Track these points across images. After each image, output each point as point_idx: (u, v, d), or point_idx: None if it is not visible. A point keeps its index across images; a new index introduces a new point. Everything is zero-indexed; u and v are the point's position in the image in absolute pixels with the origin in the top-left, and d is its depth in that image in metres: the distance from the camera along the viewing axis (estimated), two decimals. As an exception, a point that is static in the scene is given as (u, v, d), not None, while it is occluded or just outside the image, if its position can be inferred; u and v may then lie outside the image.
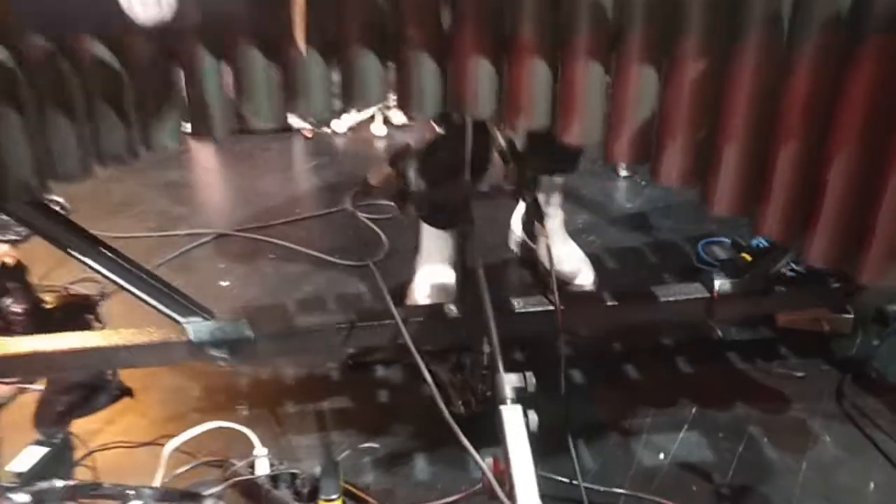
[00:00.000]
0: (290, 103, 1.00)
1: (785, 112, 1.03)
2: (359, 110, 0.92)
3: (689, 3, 0.96)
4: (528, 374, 1.05)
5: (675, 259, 2.04)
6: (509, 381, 1.03)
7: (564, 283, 1.83)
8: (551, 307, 1.36)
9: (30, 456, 1.41)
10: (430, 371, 1.23)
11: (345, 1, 0.96)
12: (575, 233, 2.07)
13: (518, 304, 1.38)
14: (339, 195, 2.41)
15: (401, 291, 1.81)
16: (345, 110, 0.92)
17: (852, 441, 1.46)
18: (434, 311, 1.40)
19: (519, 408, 1.01)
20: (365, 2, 0.97)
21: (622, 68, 1.01)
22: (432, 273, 1.77)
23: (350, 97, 1.01)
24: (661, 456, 1.44)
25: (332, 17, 0.96)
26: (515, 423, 0.98)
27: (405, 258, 1.90)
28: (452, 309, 1.37)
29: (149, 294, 1.31)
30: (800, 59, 0.99)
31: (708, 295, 1.39)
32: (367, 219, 2.21)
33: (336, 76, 1.00)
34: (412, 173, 1.39)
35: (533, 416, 1.00)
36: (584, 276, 1.87)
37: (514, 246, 2.04)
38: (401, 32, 0.99)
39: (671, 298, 1.40)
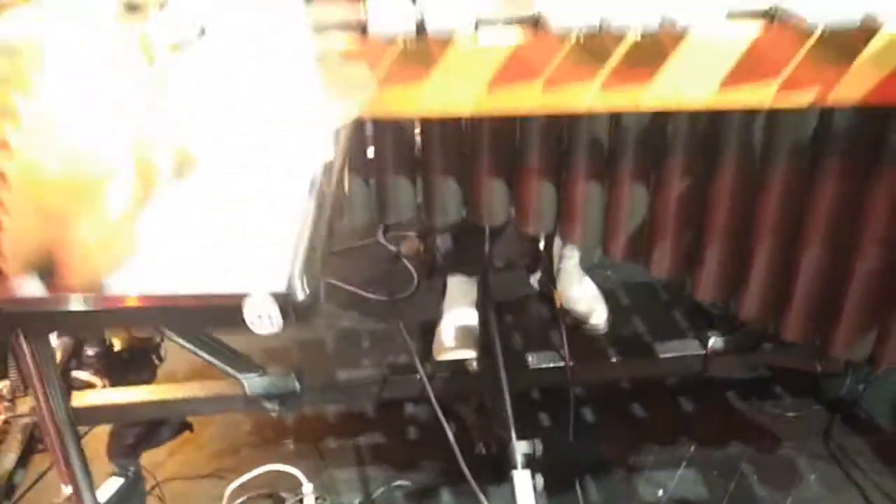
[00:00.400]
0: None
1: (759, 217, 1.19)
2: (392, 222, 1.07)
3: (674, 132, 1.13)
4: (537, 441, 1.23)
5: (685, 295, 2.18)
6: (520, 449, 1.22)
7: (579, 323, 2.00)
8: (562, 363, 1.54)
9: (109, 488, 1.63)
10: (454, 413, 1.43)
11: (382, 135, 1.14)
12: (591, 267, 2.22)
13: (532, 361, 1.56)
14: (371, 226, 2.58)
15: (430, 328, 2.00)
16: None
17: (835, 480, 1.63)
18: (458, 366, 1.58)
19: (528, 473, 1.19)
20: (399, 134, 1.14)
21: (616, 184, 1.18)
22: (458, 317, 1.95)
23: (384, 212, 1.19)
24: (661, 492, 1.62)
25: (369, 147, 1.15)
26: (525, 486, 1.17)
27: (434, 291, 2.07)
28: (473, 365, 1.56)
29: (209, 353, 1.51)
30: (771, 175, 1.15)
31: (703, 352, 1.56)
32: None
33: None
34: (439, 244, 1.57)
35: (539, 479, 1.19)
36: (598, 316, 2.03)
37: (534, 282, 2.21)
38: (427, 157, 1.16)
39: (669, 355, 1.57)
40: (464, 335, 1.93)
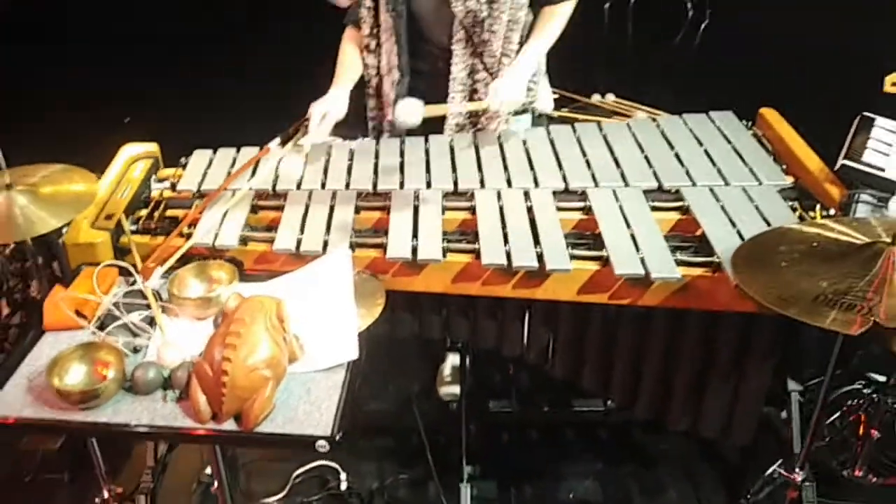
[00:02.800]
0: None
1: (618, 348, 2.02)
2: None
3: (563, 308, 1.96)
4: (477, 467, 2.10)
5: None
6: (467, 471, 2.09)
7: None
8: (509, 409, 2.41)
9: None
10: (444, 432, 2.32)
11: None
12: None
13: (492, 406, 2.44)
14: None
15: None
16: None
17: (686, 494, 2.48)
18: (443, 406, 2.46)
19: (469, 486, 2.07)
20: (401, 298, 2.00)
21: (532, 322, 2.02)
22: (454, 360, 2.83)
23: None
24: (571, 495, 2.49)
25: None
26: (466, 498, 2.05)
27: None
28: (453, 406, 2.44)
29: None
30: (620, 331, 1.98)
31: (602, 409, 2.41)
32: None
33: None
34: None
35: (475, 489, 2.06)
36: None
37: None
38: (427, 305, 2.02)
39: (580, 409, 2.43)
40: (455, 372, 2.81)
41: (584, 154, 2.21)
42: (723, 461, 2.58)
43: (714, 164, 2.16)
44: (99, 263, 1.76)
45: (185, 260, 1.83)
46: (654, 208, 2.01)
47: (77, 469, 2.54)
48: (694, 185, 2.08)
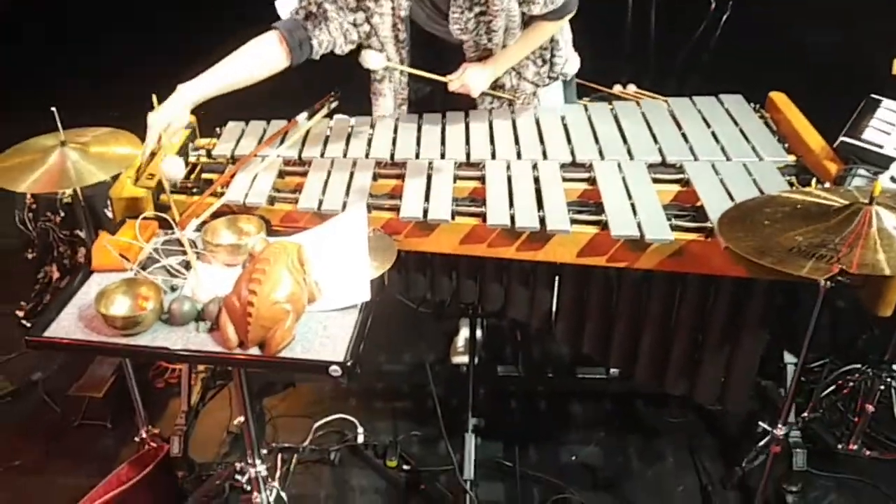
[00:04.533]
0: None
1: (618, 310, 2.16)
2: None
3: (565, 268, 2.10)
4: (481, 419, 2.25)
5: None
6: (472, 422, 2.24)
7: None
8: (517, 374, 2.56)
9: (245, 419, 2.74)
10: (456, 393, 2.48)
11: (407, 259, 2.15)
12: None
13: (500, 370, 2.58)
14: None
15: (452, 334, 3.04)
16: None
17: (685, 463, 2.59)
18: (453, 370, 2.61)
19: (473, 436, 2.22)
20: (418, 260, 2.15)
21: (537, 283, 2.16)
22: (467, 332, 2.97)
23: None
24: (573, 458, 2.62)
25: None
26: (470, 446, 2.20)
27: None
28: (463, 370, 2.59)
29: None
30: (621, 293, 2.11)
31: (605, 376, 2.54)
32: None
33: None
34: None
35: (478, 440, 2.22)
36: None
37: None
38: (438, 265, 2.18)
39: (583, 376, 2.56)
40: (468, 343, 2.95)
41: (594, 130, 2.34)
42: (721, 432, 2.69)
43: (718, 141, 2.27)
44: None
45: (217, 216, 2.00)
46: (657, 180, 2.13)
47: (119, 416, 2.75)
48: (696, 159, 2.20)
